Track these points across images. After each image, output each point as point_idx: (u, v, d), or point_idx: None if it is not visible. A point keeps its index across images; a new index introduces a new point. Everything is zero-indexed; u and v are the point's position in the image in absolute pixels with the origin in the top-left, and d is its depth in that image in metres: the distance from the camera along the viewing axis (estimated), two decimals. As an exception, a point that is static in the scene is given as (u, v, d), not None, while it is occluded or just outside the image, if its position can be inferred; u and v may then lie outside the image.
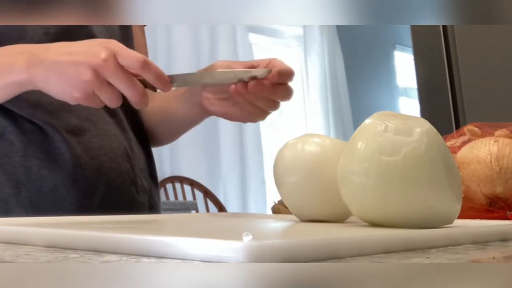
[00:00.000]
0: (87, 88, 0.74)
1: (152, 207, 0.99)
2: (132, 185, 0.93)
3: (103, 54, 0.73)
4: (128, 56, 0.74)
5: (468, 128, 0.77)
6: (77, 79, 0.74)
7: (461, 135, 0.78)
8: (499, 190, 0.69)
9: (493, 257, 0.39)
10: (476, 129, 0.76)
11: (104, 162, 0.89)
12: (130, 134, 0.97)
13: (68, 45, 0.78)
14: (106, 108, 0.90)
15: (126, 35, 1.02)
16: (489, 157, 0.70)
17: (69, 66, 0.75)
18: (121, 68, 0.74)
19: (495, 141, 0.71)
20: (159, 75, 0.76)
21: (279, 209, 0.77)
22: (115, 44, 0.75)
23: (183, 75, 0.79)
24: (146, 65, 0.74)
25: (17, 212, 0.84)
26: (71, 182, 0.86)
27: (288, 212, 0.76)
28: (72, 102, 0.77)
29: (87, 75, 0.73)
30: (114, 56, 0.73)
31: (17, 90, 0.80)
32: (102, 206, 0.88)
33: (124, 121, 0.96)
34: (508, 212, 0.67)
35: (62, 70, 0.75)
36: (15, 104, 0.86)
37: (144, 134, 1.03)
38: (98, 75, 0.73)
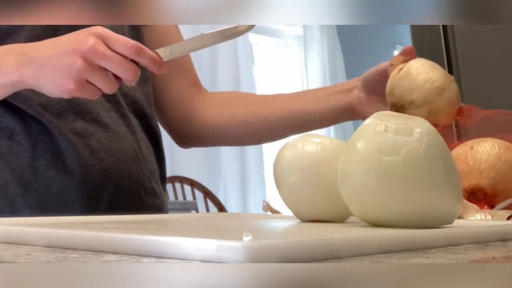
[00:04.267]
0: (79, 77, 0.73)
1: (162, 209, 0.99)
2: (141, 187, 0.93)
3: (91, 40, 0.73)
4: (120, 41, 0.73)
5: None
6: (68, 69, 0.73)
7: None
8: (474, 181, 0.73)
9: (493, 257, 0.39)
10: None
11: (113, 164, 0.89)
12: (140, 135, 0.96)
13: (56, 39, 0.77)
14: (115, 109, 0.90)
15: (136, 35, 1.01)
16: (464, 154, 0.74)
17: (59, 58, 0.74)
18: (110, 50, 0.73)
19: (471, 147, 0.76)
20: (153, 59, 0.75)
21: (266, 209, 0.78)
22: (103, 29, 0.75)
23: (174, 47, 0.78)
24: (139, 50, 0.74)
25: (24, 212, 0.84)
26: (79, 183, 0.86)
27: (276, 212, 0.77)
28: (67, 96, 0.76)
29: (78, 63, 0.72)
30: (103, 41, 0.73)
31: (8, 91, 0.80)
32: (110, 208, 0.88)
33: (133, 123, 0.95)
34: None
35: (52, 64, 0.75)
36: (24, 103, 0.86)
37: (155, 136, 1.02)
38: (89, 61, 0.73)
